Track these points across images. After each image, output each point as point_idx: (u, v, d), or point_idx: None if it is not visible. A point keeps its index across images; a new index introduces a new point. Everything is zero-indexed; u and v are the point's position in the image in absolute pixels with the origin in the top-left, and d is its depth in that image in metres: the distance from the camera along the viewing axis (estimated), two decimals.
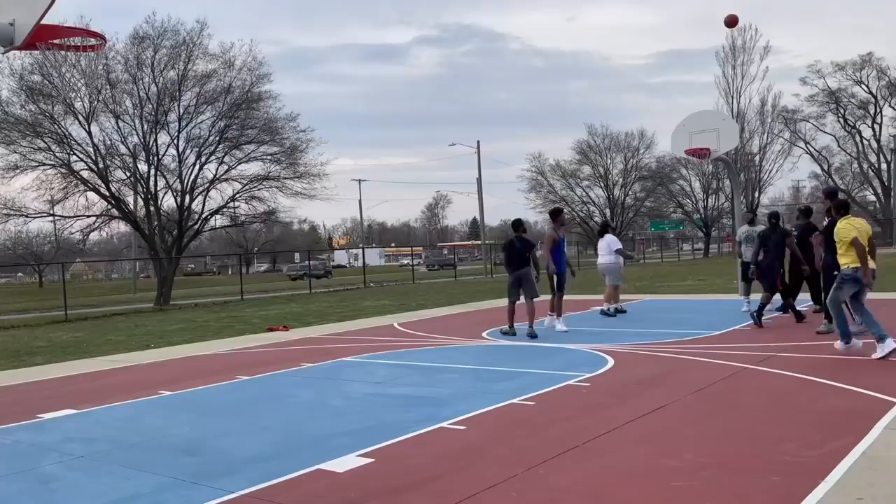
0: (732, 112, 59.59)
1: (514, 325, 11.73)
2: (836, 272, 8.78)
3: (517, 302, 11.77)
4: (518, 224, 11.95)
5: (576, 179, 62.35)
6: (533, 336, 11.32)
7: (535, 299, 11.56)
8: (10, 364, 11.64)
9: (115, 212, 29.12)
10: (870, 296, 9.02)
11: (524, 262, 11.57)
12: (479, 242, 58.28)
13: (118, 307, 27.39)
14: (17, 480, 5.12)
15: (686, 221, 69.37)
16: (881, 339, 8.12)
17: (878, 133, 68.32)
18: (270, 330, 14.85)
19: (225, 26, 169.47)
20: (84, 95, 27.35)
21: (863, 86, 66.10)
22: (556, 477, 4.60)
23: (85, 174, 27.84)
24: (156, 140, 28.98)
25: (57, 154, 27.31)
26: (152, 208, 29.51)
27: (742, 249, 13.14)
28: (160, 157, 29.33)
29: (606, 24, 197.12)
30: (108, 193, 28.05)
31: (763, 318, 11.23)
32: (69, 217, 29.12)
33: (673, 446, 5.15)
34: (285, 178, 30.95)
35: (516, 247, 11.61)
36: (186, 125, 29.35)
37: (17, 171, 26.88)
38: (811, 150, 69.15)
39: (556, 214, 12.86)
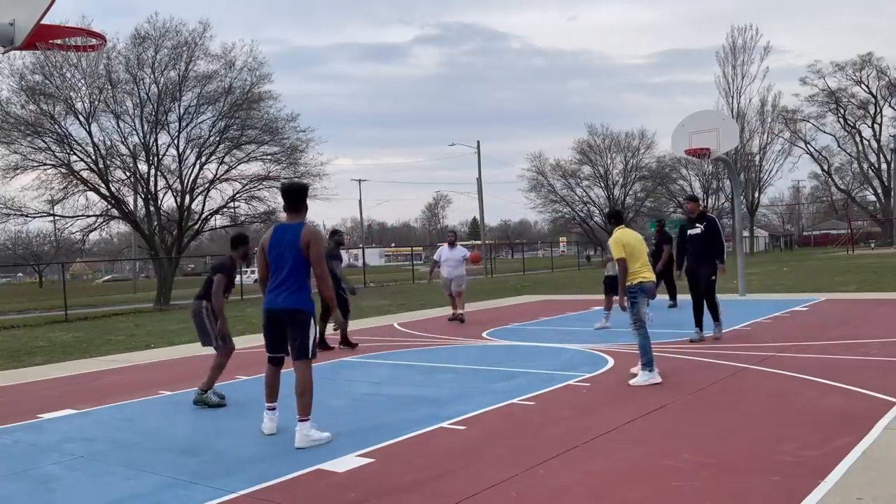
0: (732, 112, 59.70)
1: (213, 387, 7.36)
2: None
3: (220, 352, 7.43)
4: (238, 241, 7.65)
5: (576, 179, 62.28)
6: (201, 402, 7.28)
7: (218, 350, 7.37)
8: (10, 364, 11.65)
9: (115, 212, 29.13)
10: (872, 296, 8.87)
11: (202, 292, 7.49)
12: (480, 242, 58.28)
13: (118, 307, 27.40)
14: (16, 480, 5.12)
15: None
16: (648, 365, 7.38)
17: (878, 133, 68.41)
18: None
19: (225, 26, 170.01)
20: (84, 95, 27.41)
21: (863, 86, 66.17)
22: (556, 477, 4.60)
23: (85, 174, 27.88)
24: (156, 140, 29.04)
25: (57, 154, 27.34)
26: (152, 208, 29.53)
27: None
28: (160, 157, 29.40)
29: (607, 24, 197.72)
30: (108, 193, 28.07)
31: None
32: (69, 217, 29.16)
33: (673, 446, 5.15)
34: (285, 178, 30.98)
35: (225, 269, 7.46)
36: (187, 125, 29.42)
37: (18, 170, 26.93)
38: (811, 150, 69.24)
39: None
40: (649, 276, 7.68)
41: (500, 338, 11.69)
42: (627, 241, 7.67)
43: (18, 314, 27.30)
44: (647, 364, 7.39)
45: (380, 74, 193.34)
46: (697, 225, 10.14)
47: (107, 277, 69.91)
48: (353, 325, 15.32)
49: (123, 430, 6.52)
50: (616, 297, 11.50)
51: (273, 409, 6.07)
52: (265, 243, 5.90)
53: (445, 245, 14.57)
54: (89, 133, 27.58)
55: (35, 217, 28.75)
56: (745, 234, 59.29)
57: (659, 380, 7.33)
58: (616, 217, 8.22)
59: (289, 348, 5.88)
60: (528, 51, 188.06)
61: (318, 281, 5.85)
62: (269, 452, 5.49)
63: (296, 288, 5.72)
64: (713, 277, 10.00)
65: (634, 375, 7.54)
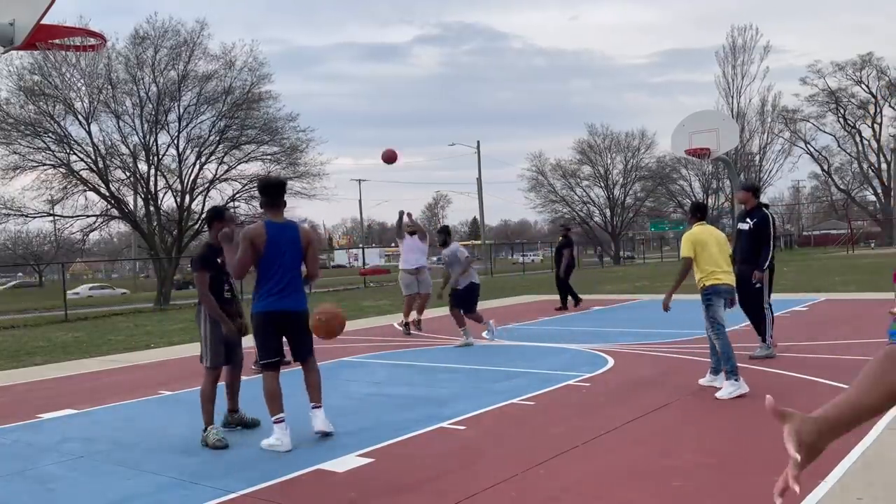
0: (732, 112, 59.67)
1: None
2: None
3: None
4: (216, 214, 6.33)
5: (576, 179, 62.33)
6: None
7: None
8: (10, 364, 11.63)
9: (114, 212, 29.16)
10: (872, 296, 8.69)
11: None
12: (479, 242, 58.28)
13: (118, 307, 27.39)
14: (16, 480, 5.12)
15: (686, 221, 69.35)
16: (733, 373, 6.64)
17: (878, 133, 68.36)
18: None
19: (226, 25, 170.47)
20: (84, 95, 27.47)
21: (863, 86, 66.10)
22: (556, 477, 4.60)
23: (85, 174, 27.93)
24: (156, 140, 29.07)
25: (57, 154, 27.39)
26: (152, 208, 29.55)
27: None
28: (160, 157, 29.43)
29: (609, 23, 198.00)
30: (107, 193, 28.10)
31: None
32: (69, 217, 29.20)
33: (673, 446, 5.15)
34: (285, 178, 31.04)
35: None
36: (186, 125, 29.46)
37: (17, 171, 26.96)
38: (811, 150, 69.17)
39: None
40: (724, 278, 6.93)
41: (499, 338, 11.67)
42: (700, 240, 6.95)
43: (18, 314, 27.29)
44: (732, 372, 6.56)
45: (380, 74, 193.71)
46: (748, 220, 8.70)
47: (13, 283, 60.41)
48: (353, 324, 15.30)
49: (123, 430, 6.51)
50: (465, 311, 10.77)
51: (284, 419, 5.54)
52: (259, 239, 5.53)
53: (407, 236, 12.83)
54: (89, 133, 27.65)
55: (35, 217, 28.84)
56: None
57: (746, 389, 6.52)
58: (700, 210, 7.28)
59: (292, 349, 5.91)
60: (528, 51, 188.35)
61: (313, 273, 5.98)
62: (270, 452, 5.49)
63: (299, 287, 5.80)
64: (758, 285, 8.49)
65: (717, 387, 6.71)
